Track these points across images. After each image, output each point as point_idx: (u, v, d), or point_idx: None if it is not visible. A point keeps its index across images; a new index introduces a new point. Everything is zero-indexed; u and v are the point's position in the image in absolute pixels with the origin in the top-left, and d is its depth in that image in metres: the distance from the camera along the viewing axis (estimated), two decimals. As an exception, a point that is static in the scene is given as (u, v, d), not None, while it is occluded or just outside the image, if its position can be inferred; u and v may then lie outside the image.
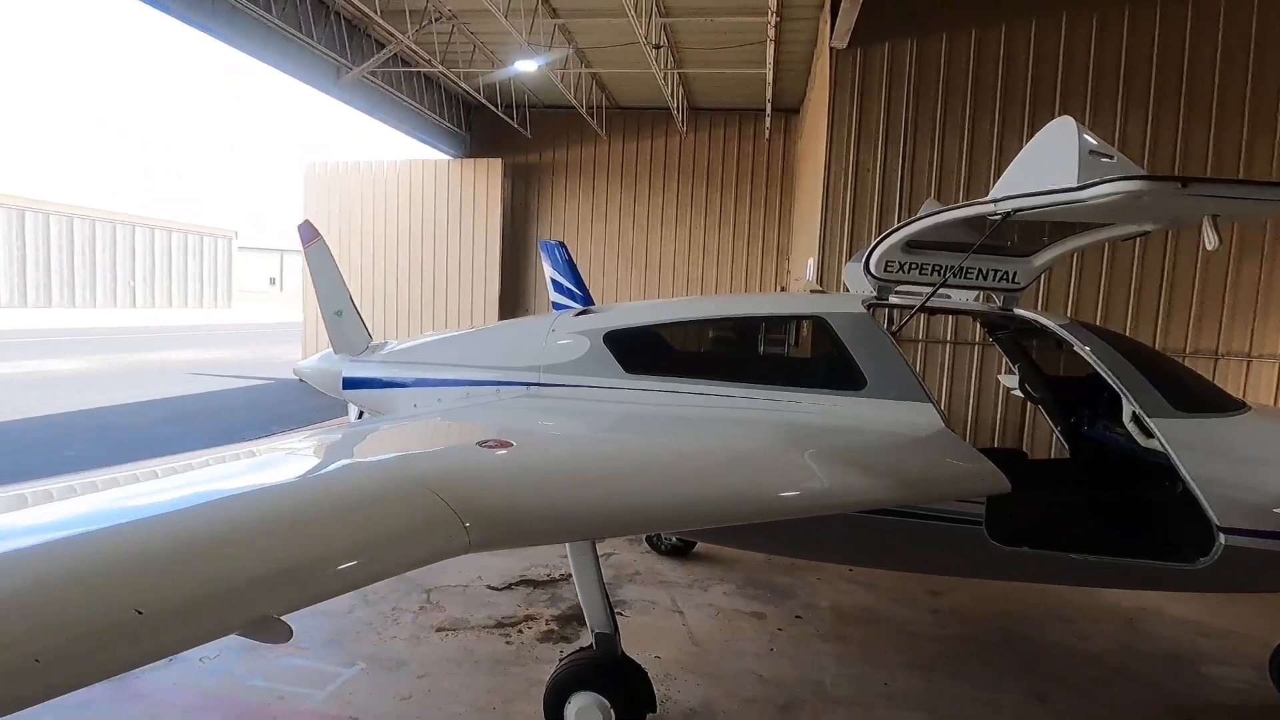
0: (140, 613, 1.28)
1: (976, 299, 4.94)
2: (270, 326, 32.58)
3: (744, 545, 4.46)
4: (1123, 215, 3.25)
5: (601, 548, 5.20)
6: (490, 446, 2.37)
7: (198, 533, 1.48)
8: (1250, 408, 3.40)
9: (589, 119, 14.27)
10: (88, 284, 41.19)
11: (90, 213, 41.69)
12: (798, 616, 4.60)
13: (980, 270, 3.81)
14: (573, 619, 4.41)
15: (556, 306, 10.74)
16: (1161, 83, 7.27)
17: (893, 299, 3.90)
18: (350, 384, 4.83)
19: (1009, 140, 7.37)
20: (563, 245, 11.27)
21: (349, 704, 3.47)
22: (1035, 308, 5.55)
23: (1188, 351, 7.36)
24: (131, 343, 22.81)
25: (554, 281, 11.23)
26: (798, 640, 4.28)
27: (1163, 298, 7.46)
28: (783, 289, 14.12)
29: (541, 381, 3.95)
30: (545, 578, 5.04)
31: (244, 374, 16.42)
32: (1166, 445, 3.04)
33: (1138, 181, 2.66)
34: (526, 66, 11.42)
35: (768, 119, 14.07)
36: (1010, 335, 4.71)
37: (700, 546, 5.55)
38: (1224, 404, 3.40)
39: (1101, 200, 2.75)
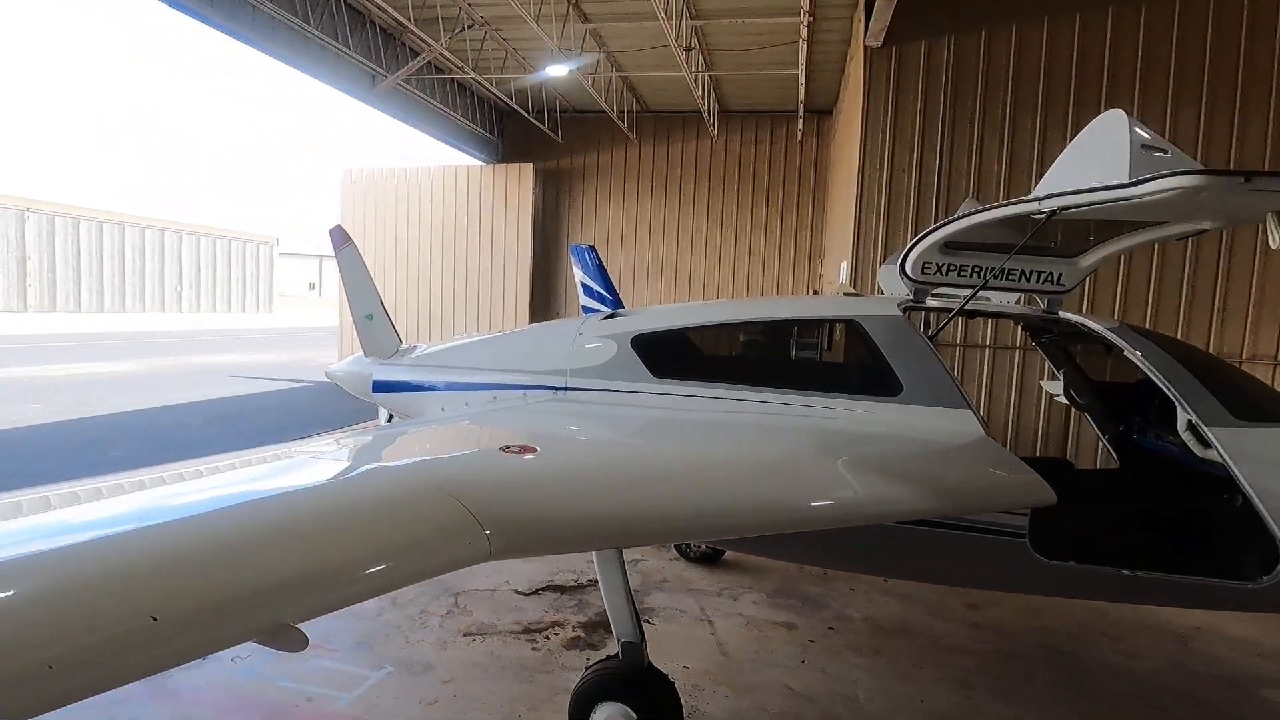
0: (155, 619, 1.26)
1: (1018, 301, 4.77)
2: (309, 330, 33.32)
3: (774, 554, 4.36)
4: (1178, 213, 3.09)
5: (629, 554, 5.14)
6: (513, 452, 2.33)
7: (214, 538, 1.46)
8: None
9: (619, 123, 14.29)
10: (137, 289, 42.69)
11: (141, 221, 43.22)
12: (830, 628, 4.48)
13: (1023, 272, 3.66)
14: (599, 626, 4.36)
15: (587, 311, 10.74)
16: (1216, 74, 6.96)
17: (930, 302, 3.77)
18: (379, 387, 4.86)
19: (1052, 139, 7.14)
20: (593, 249, 11.27)
21: (374, 708, 3.46)
22: (1080, 310, 5.35)
23: (1244, 357, 7.02)
24: (178, 346, 23.53)
25: (584, 286, 11.24)
26: (830, 653, 4.16)
27: (1217, 299, 7.13)
28: (815, 293, 13.92)
29: (568, 386, 3.91)
30: (573, 583, 5.00)
31: (283, 377, 16.79)
32: (1226, 456, 2.86)
33: (1196, 176, 2.51)
34: (557, 71, 11.48)
35: (800, 121, 13.91)
36: (1054, 339, 4.52)
37: (730, 554, 5.45)
38: None
39: (1155, 197, 2.61)
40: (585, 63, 11.45)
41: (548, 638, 4.23)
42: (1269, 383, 6.63)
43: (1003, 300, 4.56)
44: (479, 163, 16.07)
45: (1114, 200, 2.75)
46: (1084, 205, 2.88)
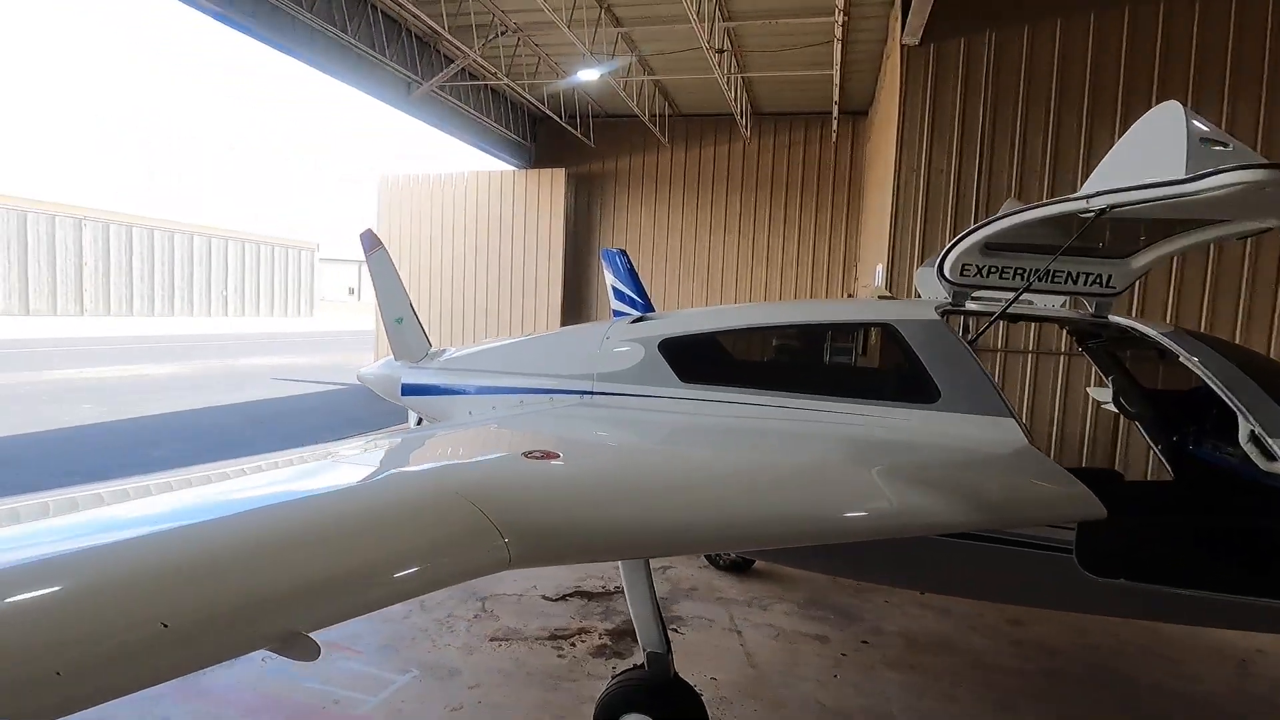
0: (166, 625, 1.24)
1: (1063, 305, 4.57)
2: (348, 333, 34.06)
3: (805, 566, 4.24)
4: (1238, 210, 2.91)
5: (657, 561, 5.07)
6: (536, 458, 2.29)
7: (227, 543, 1.44)
8: None
9: (651, 126, 14.26)
10: (185, 294, 44.22)
11: (190, 228, 44.83)
12: (864, 641, 4.34)
13: (1069, 273, 3.49)
14: (626, 633, 4.29)
15: (617, 314, 10.71)
16: (1278, 65, 6.62)
17: (969, 305, 3.63)
18: (408, 390, 4.88)
19: (1099, 137, 6.88)
20: (624, 253, 11.25)
21: (399, 712, 3.45)
22: (1130, 314, 5.12)
23: (1309, 363, 6.65)
24: (223, 349, 24.23)
25: (615, 290, 11.22)
26: (863, 667, 4.03)
27: (1279, 303, 6.77)
28: (849, 297, 13.69)
29: (595, 390, 3.86)
30: (600, 589, 4.95)
31: (321, 379, 17.14)
32: None
33: (1260, 171, 2.35)
34: (589, 76, 11.51)
35: (834, 122, 13.70)
36: (1103, 344, 4.32)
37: (760, 562, 5.34)
38: None
39: (1215, 194, 2.45)
40: (617, 66, 11.45)
41: (574, 645, 4.18)
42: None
43: (1047, 303, 4.38)
44: (512, 168, 16.21)
45: (1169, 197, 2.60)
46: (1136, 203, 2.72)
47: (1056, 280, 3.51)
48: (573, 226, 16.03)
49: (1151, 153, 2.67)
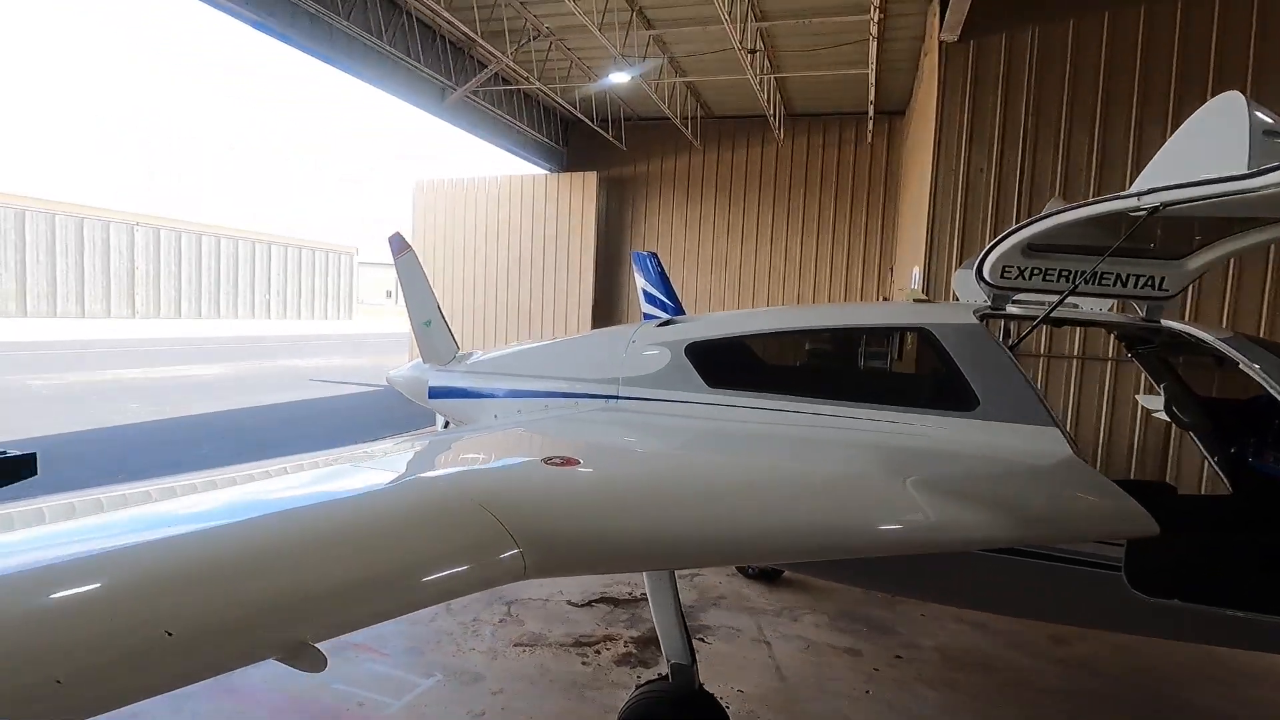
0: (170, 634, 1.22)
1: (1111, 308, 4.37)
2: (386, 336, 34.69)
3: (837, 578, 4.11)
4: (1305, 208, 2.72)
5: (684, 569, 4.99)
6: (556, 464, 2.23)
7: (236, 550, 1.42)
8: None
9: (683, 129, 14.19)
10: (231, 297, 45.63)
11: (235, 233, 46.29)
12: (898, 656, 4.20)
13: (1119, 275, 3.31)
14: (652, 642, 4.22)
15: (648, 318, 10.66)
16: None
17: (1010, 309, 3.47)
18: (435, 393, 4.89)
19: (1149, 135, 6.60)
20: (655, 256, 11.21)
21: (422, 717, 3.44)
22: (1184, 318, 4.87)
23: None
24: (264, 351, 24.88)
25: (646, 293, 11.18)
26: (898, 684, 3.89)
27: (1347, 307, 6.40)
28: (884, 300, 13.41)
29: (620, 395, 3.81)
30: (626, 596, 4.89)
31: (357, 380, 17.46)
32: None
33: None
34: (620, 78, 11.49)
35: (870, 122, 13.46)
36: (1155, 350, 4.11)
37: (790, 571, 5.22)
38: None
39: (1279, 190, 2.28)
40: (648, 68, 11.42)
41: (599, 652, 4.13)
42: None
43: (1093, 307, 4.18)
44: (544, 171, 16.30)
45: (1229, 194, 2.43)
46: (1193, 200, 2.56)
47: (1104, 282, 3.34)
48: (604, 229, 16.04)
49: (1210, 147, 2.51)
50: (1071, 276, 3.25)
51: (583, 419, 3.65)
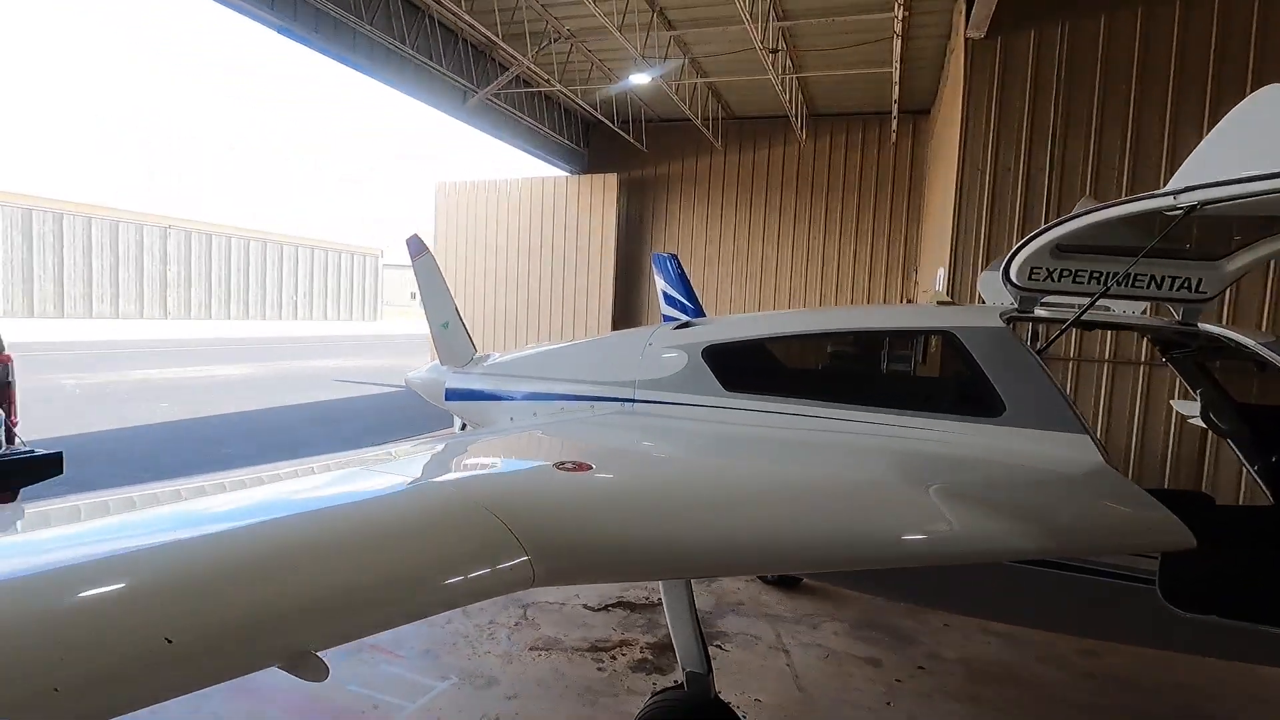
0: (170, 641, 1.20)
1: (1144, 311, 4.22)
2: (410, 337, 35.06)
3: (858, 587, 4.02)
4: (1353, 207, 2.59)
5: (702, 574, 4.93)
6: (567, 469, 2.20)
7: (238, 556, 1.40)
8: None
9: (704, 130, 14.13)
10: (259, 299, 46.49)
11: (264, 235, 47.18)
12: (920, 667, 4.09)
13: (1153, 277, 3.19)
14: (668, 647, 4.17)
15: (667, 319, 10.62)
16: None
17: (1038, 311, 3.37)
18: (451, 395, 4.89)
19: (1184, 134, 6.40)
20: (675, 258, 11.15)
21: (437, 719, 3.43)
22: (1221, 321, 4.71)
23: None
24: (290, 351, 25.27)
25: (666, 295, 11.13)
26: (920, 696, 3.79)
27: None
28: (908, 302, 13.21)
29: (636, 398, 3.76)
30: (643, 600, 4.84)
31: (380, 381, 17.64)
32: None
33: None
34: (641, 79, 11.47)
35: (894, 122, 13.27)
36: (1191, 354, 3.96)
37: (810, 579, 5.13)
38: None
39: None
40: (669, 69, 11.38)
41: (614, 658, 4.09)
42: None
43: (1125, 310, 4.05)
44: (565, 173, 16.34)
45: (1270, 192, 2.32)
46: (1232, 199, 2.45)
47: (1138, 285, 3.22)
48: (624, 231, 16.03)
49: (1250, 142, 2.40)
50: (1103, 278, 3.14)
51: (597, 423, 3.61)
